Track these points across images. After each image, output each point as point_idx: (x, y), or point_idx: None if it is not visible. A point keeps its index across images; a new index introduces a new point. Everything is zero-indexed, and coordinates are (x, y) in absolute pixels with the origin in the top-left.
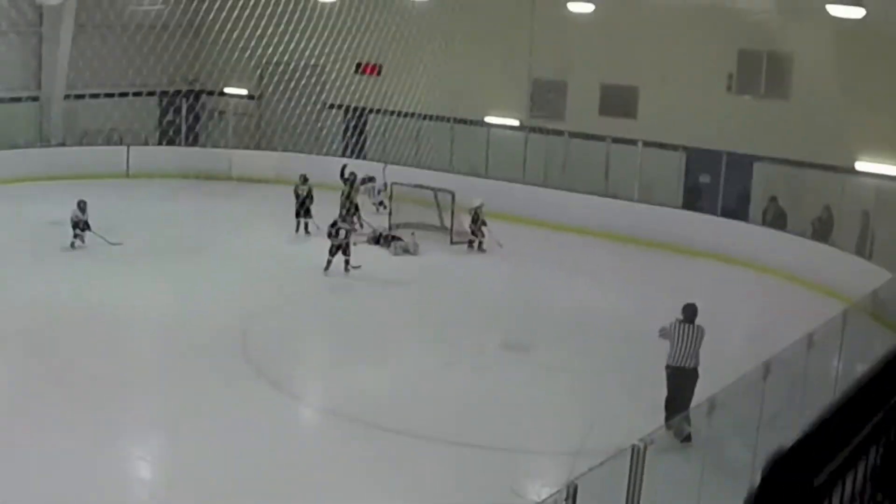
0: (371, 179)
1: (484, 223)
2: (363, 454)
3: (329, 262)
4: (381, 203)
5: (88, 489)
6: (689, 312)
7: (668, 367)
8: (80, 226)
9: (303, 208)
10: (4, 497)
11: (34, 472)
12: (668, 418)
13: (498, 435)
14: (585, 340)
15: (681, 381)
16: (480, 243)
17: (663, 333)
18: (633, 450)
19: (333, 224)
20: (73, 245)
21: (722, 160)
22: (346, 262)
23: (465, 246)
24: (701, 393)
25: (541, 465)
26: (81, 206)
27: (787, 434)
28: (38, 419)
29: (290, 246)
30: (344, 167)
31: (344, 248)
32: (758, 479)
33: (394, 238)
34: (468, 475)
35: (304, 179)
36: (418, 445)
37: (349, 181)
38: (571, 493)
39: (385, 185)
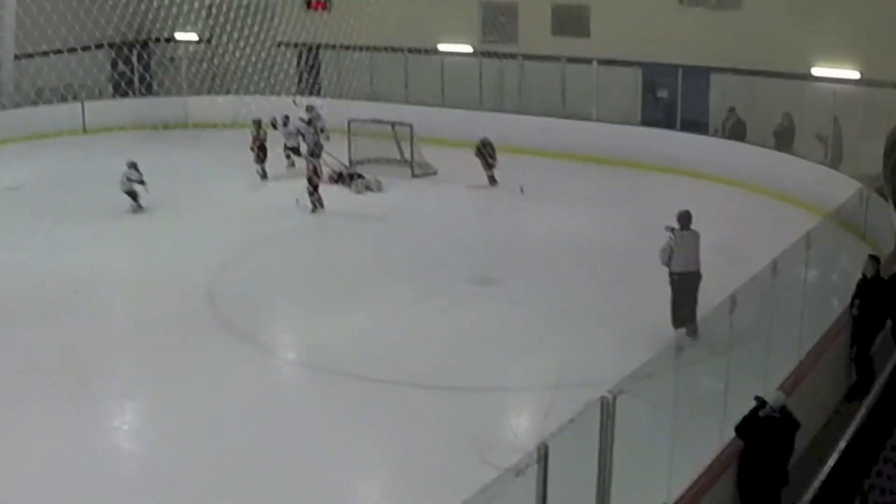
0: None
1: (491, 156)
2: (338, 403)
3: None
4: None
5: (68, 462)
6: (686, 219)
7: (673, 274)
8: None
9: (263, 152)
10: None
11: (11, 448)
12: (677, 322)
13: (473, 375)
14: (554, 269)
15: (688, 285)
16: (492, 177)
17: (665, 252)
18: (602, 402)
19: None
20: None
21: (678, 74)
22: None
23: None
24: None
25: (516, 403)
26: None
27: (758, 358)
28: (8, 392)
29: (251, 193)
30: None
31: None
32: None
33: (356, 175)
34: (445, 418)
35: (259, 124)
36: (393, 391)
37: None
38: (543, 455)
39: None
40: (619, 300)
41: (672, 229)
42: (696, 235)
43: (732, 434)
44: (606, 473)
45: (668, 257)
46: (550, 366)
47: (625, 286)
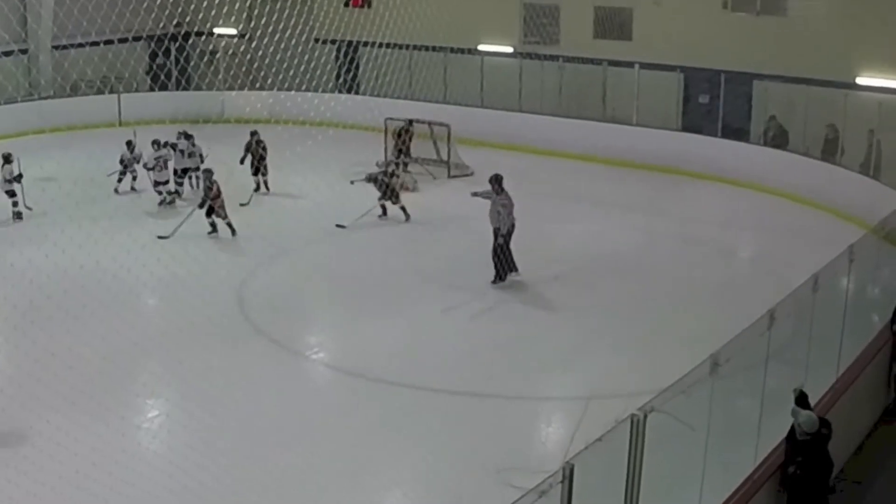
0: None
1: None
2: (366, 410)
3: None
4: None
5: (94, 461)
6: (500, 179)
7: (503, 232)
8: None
9: (262, 164)
10: (12, 472)
11: (40, 446)
12: (505, 272)
13: (505, 382)
14: (589, 278)
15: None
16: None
17: (499, 214)
18: (632, 421)
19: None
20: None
21: (721, 79)
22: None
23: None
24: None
25: (548, 411)
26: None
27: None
28: (38, 392)
29: (283, 192)
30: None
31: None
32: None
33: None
34: (473, 427)
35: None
36: (423, 397)
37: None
38: (568, 475)
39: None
40: (653, 312)
41: (491, 194)
42: (508, 193)
43: (766, 453)
44: (634, 494)
45: (501, 218)
46: (582, 377)
47: (660, 299)
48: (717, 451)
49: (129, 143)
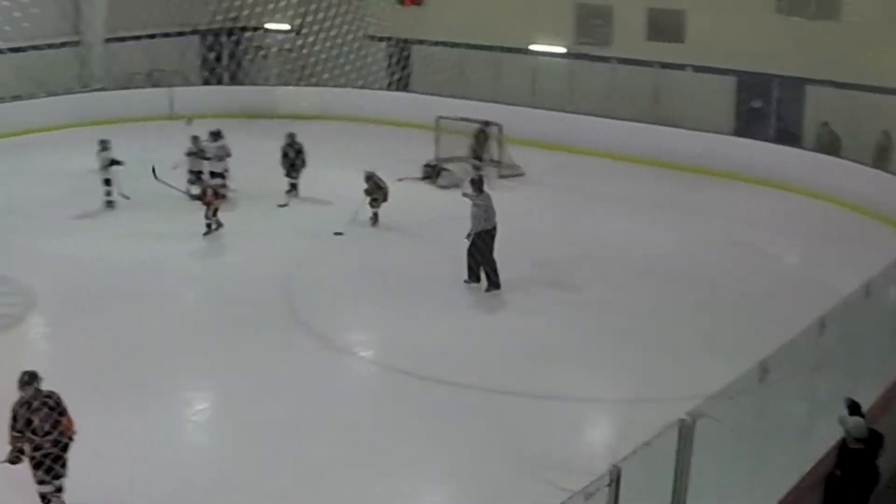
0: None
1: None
2: (410, 406)
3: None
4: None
5: (136, 452)
6: (481, 182)
7: (485, 232)
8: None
9: (294, 169)
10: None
11: (88, 439)
12: (479, 273)
13: (547, 382)
14: (637, 280)
15: (492, 239)
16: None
17: (479, 217)
18: (680, 425)
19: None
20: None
21: (773, 84)
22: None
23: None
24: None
25: (590, 413)
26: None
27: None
28: (83, 382)
29: (333, 188)
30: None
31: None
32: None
33: (443, 169)
34: (516, 424)
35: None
36: (464, 395)
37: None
38: (615, 479)
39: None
40: (697, 316)
41: (472, 194)
42: (488, 195)
43: (815, 460)
44: (681, 500)
45: (482, 220)
46: (626, 380)
47: (704, 303)
48: (764, 459)
49: (195, 138)
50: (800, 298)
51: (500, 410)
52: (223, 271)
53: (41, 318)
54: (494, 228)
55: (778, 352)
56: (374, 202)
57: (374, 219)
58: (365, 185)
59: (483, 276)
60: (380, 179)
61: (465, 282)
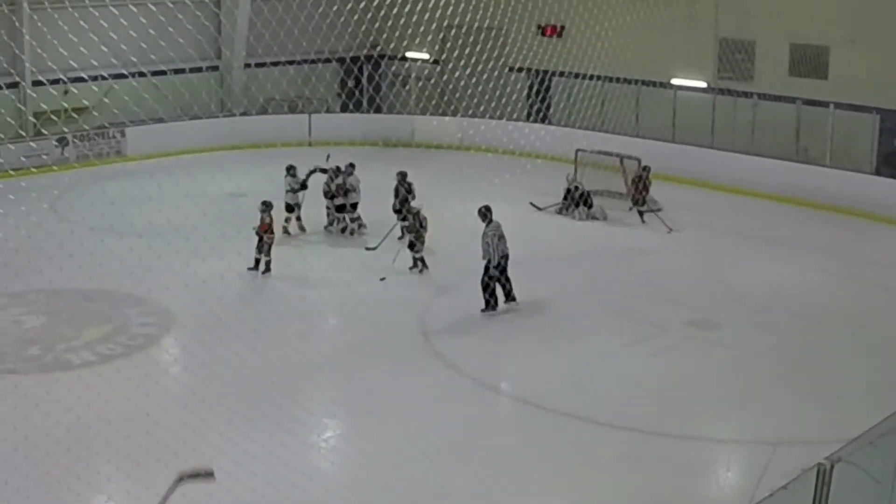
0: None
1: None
2: (541, 440)
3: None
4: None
5: (274, 483)
6: (488, 211)
7: (501, 258)
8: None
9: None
10: (188, 487)
11: (219, 460)
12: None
13: (685, 422)
14: (776, 321)
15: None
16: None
17: (491, 246)
18: (818, 469)
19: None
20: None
21: None
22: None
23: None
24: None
25: (725, 454)
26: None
27: None
28: (218, 406)
29: (472, 218)
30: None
31: None
32: None
33: (584, 203)
34: (649, 462)
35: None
36: (598, 431)
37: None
38: None
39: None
40: (836, 358)
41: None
42: (498, 224)
43: None
44: None
45: (492, 249)
46: (762, 421)
47: (843, 345)
48: None
49: (337, 169)
50: None
51: (633, 449)
52: (361, 300)
53: (176, 339)
54: (505, 257)
55: None
56: (413, 246)
57: (418, 264)
58: (406, 220)
59: (499, 294)
60: (424, 218)
61: (482, 311)
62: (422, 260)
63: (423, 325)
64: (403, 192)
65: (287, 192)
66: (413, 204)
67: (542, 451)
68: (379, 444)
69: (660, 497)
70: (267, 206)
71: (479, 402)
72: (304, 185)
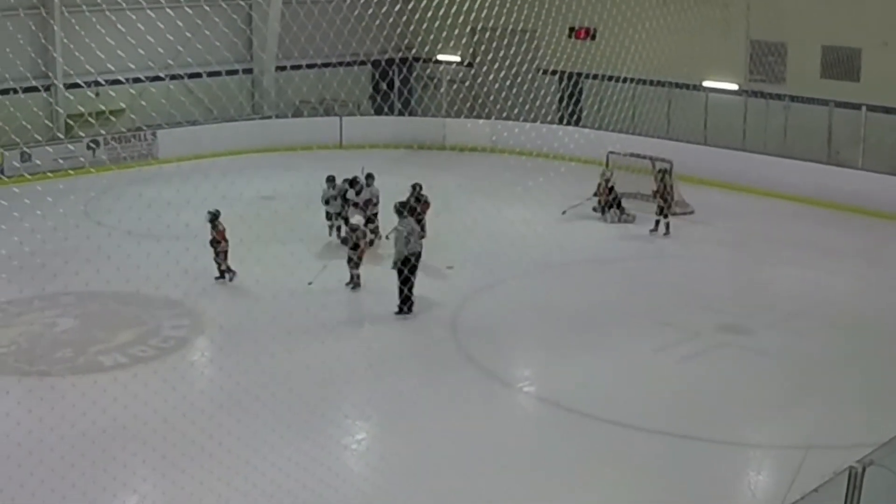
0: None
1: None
2: (572, 444)
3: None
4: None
5: (308, 485)
6: (404, 205)
7: (411, 255)
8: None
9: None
10: (224, 487)
11: (253, 461)
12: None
13: (715, 426)
14: (808, 326)
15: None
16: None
17: (402, 240)
18: (850, 473)
19: None
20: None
21: None
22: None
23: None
24: None
25: (757, 459)
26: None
27: None
28: (253, 407)
29: (502, 222)
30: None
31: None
32: None
33: (616, 205)
34: (680, 467)
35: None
36: (628, 435)
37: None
38: None
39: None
40: (870, 364)
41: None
42: (410, 220)
43: None
44: None
45: (405, 244)
46: (794, 427)
47: (877, 351)
48: None
49: (369, 176)
50: None
51: (664, 452)
52: (394, 304)
53: (207, 341)
54: (417, 255)
55: None
56: (350, 260)
57: (353, 279)
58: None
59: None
60: (363, 233)
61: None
62: (357, 276)
63: (454, 329)
64: (412, 200)
65: (327, 201)
66: (353, 221)
67: (575, 455)
68: (411, 447)
69: (691, 500)
70: (214, 216)
71: (511, 405)
72: (345, 199)
